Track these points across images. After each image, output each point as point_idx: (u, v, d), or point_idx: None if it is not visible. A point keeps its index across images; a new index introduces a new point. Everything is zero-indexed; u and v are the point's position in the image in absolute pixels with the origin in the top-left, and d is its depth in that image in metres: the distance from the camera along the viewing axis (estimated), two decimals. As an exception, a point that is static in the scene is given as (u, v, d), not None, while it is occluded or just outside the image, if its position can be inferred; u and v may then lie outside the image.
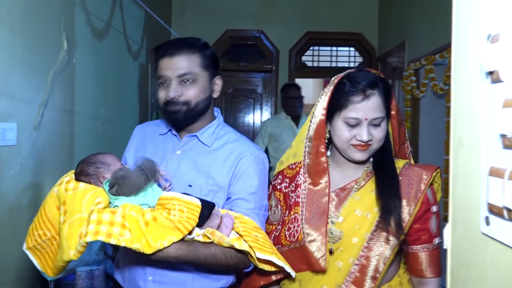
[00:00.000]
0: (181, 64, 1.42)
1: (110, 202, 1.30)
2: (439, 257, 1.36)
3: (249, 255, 1.33)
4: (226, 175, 1.44)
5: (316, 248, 1.32)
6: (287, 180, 1.46)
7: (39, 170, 2.01)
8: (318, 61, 5.69)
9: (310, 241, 1.33)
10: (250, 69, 5.55)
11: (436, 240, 1.35)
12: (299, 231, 1.35)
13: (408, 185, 1.34)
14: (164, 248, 1.24)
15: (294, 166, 1.44)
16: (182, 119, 1.46)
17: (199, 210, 1.28)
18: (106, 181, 1.33)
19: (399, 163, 1.40)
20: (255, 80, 5.60)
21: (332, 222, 1.35)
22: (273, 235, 1.43)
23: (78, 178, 1.36)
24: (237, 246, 1.30)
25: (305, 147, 1.41)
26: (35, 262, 1.36)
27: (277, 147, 4.09)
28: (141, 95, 3.95)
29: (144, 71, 4.00)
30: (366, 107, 1.29)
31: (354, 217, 1.34)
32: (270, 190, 1.51)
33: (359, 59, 5.66)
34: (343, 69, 1.44)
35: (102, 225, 1.21)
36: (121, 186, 1.29)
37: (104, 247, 2.11)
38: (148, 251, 1.23)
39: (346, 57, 5.70)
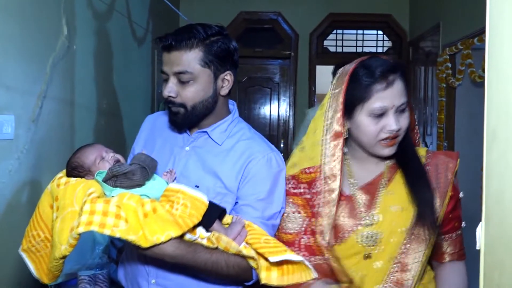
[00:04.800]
0: (177, 60, 1.41)
1: (105, 194, 1.36)
2: (463, 240, 1.50)
3: (255, 266, 1.34)
4: (235, 178, 1.45)
5: (356, 259, 1.38)
6: (303, 185, 1.45)
7: (38, 166, 2.06)
8: (342, 46, 5.67)
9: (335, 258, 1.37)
10: (266, 55, 5.56)
11: (463, 224, 1.48)
12: (324, 245, 1.38)
13: (436, 175, 1.40)
14: (161, 243, 1.26)
15: (310, 171, 1.44)
16: (181, 122, 1.49)
17: (204, 208, 1.30)
18: (98, 173, 1.38)
19: (421, 152, 1.46)
20: (272, 67, 5.61)
21: (367, 225, 1.38)
22: (303, 245, 1.41)
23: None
24: (245, 253, 1.31)
25: (325, 149, 1.41)
26: (31, 267, 1.42)
27: None
28: (146, 84, 4.00)
29: (150, 57, 4.04)
30: (391, 94, 1.31)
31: (391, 214, 1.38)
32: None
33: (388, 44, 5.62)
34: (369, 54, 1.44)
35: (95, 215, 1.24)
36: (120, 181, 1.34)
37: (107, 250, 2.16)
38: (144, 244, 1.25)
39: (374, 41, 5.67)
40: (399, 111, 1.34)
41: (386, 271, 1.37)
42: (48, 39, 2.19)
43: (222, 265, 1.33)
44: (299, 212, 1.44)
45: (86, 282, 1.93)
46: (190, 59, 1.41)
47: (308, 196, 1.43)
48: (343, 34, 5.67)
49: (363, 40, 5.67)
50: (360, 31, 5.66)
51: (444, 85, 4.03)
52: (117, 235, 1.24)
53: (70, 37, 2.40)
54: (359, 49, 5.63)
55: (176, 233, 1.26)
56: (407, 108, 1.36)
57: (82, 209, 1.26)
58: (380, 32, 5.62)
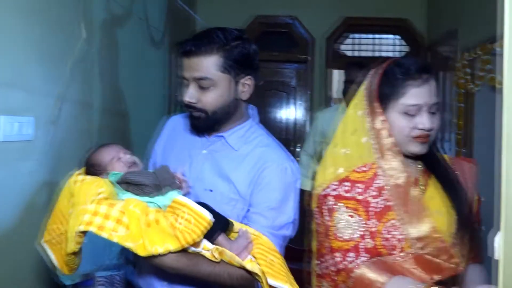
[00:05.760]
0: (197, 66, 1.42)
1: (117, 194, 1.40)
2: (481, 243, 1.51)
3: (259, 280, 1.34)
4: (248, 185, 1.45)
5: (435, 250, 1.35)
6: (360, 185, 1.38)
7: (57, 167, 2.09)
8: (359, 50, 5.64)
9: (423, 246, 1.34)
10: (282, 59, 5.56)
11: (483, 228, 1.51)
12: (402, 239, 1.34)
13: (464, 180, 1.44)
14: (160, 255, 1.28)
15: (366, 169, 1.39)
16: (203, 127, 1.51)
17: (208, 226, 1.30)
18: (112, 174, 1.42)
19: (445, 157, 1.50)
20: (288, 71, 5.61)
21: None
22: (363, 248, 1.34)
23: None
24: (249, 268, 1.31)
25: (378, 143, 1.39)
26: (52, 258, 1.47)
27: None
28: (163, 87, 4.03)
29: (167, 60, 4.07)
30: (425, 92, 1.34)
31: (438, 219, 1.39)
32: (334, 201, 1.39)
33: (405, 48, 5.59)
34: (386, 59, 1.45)
35: (97, 217, 1.29)
36: (132, 188, 1.38)
37: (124, 251, 2.18)
38: (142, 253, 1.27)
39: (391, 46, 5.63)
40: (431, 111, 1.35)
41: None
42: (67, 42, 2.23)
43: (225, 277, 1.34)
44: (353, 216, 1.37)
45: (102, 283, 1.95)
46: (210, 65, 1.41)
47: (364, 196, 1.37)
48: (360, 38, 5.64)
49: (380, 44, 5.64)
50: (377, 36, 5.63)
51: (463, 91, 3.99)
52: (115, 240, 1.28)
53: (89, 41, 2.43)
54: (376, 54, 5.60)
55: (175, 247, 1.27)
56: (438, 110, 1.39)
57: (87, 207, 1.31)
58: (397, 36, 5.59)
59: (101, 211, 1.29)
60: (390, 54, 5.56)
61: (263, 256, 1.33)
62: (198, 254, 1.33)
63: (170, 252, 1.28)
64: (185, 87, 1.47)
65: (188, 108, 1.49)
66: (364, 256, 1.34)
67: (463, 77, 3.93)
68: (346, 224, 1.36)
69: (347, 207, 1.37)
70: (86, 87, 2.46)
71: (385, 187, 1.37)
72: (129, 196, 1.37)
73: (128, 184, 1.38)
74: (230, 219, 1.41)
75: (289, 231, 1.46)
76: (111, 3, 2.79)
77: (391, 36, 5.62)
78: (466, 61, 3.89)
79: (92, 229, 1.28)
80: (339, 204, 1.38)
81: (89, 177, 1.46)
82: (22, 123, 1.80)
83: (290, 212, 1.45)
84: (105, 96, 2.75)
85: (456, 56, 4.19)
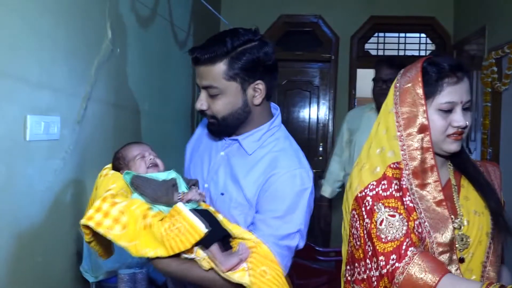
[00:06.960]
0: (203, 75, 1.42)
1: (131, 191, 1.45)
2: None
3: None
4: (255, 191, 1.42)
5: (447, 260, 1.32)
6: (396, 181, 1.34)
7: (82, 166, 2.12)
8: (384, 49, 5.58)
9: (442, 252, 1.32)
10: (306, 58, 5.54)
11: None
12: (426, 238, 1.31)
13: (491, 183, 1.45)
14: (149, 258, 1.32)
15: (397, 165, 1.35)
16: (216, 131, 1.52)
17: (198, 238, 1.29)
18: (126, 173, 1.47)
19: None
20: (312, 70, 5.58)
21: (459, 227, 1.38)
22: (409, 246, 1.27)
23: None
24: (235, 279, 1.30)
25: (406, 144, 1.35)
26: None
27: (350, 152, 3.29)
28: (187, 87, 4.05)
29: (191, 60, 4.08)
30: (460, 89, 1.34)
31: (475, 219, 1.40)
32: (372, 203, 1.33)
33: (431, 47, 5.50)
34: (412, 58, 1.44)
35: (98, 213, 1.34)
36: (137, 189, 1.41)
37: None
38: (134, 253, 1.32)
39: (416, 44, 5.56)
40: (464, 108, 1.35)
41: (479, 276, 1.37)
42: (93, 43, 2.26)
43: (221, 284, 1.33)
44: (394, 216, 1.31)
45: (125, 281, 1.97)
46: (215, 73, 1.40)
47: (399, 194, 1.33)
48: (385, 37, 5.58)
49: (405, 43, 5.57)
50: (402, 34, 5.56)
51: (489, 90, 3.92)
52: (109, 237, 1.33)
53: (114, 41, 2.46)
54: (401, 53, 5.53)
55: (163, 253, 1.31)
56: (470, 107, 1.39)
57: (93, 203, 1.37)
58: (423, 35, 5.50)
59: (103, 208, 1.35)
60: (416, 53, 5.49)
61: (255, 266, 1.31)
62: (192, 260, 1.34)
63: (158, 257, 1.32)
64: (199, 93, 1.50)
65: (201, 114, 1.51)
66: (409, 255, 1.25)
67: (490, 76, 3.86)
68: (390, 224, 1.30)
69: (387, 207, 1.32)
70: (111, 87, 2.49)
71: (408, 189, 1.34)
72: (136, 197, 1.41)
73: (135, 186, 1.41)
74: (236, 224, 1.42)
75: (294, 241, 1.40)
76: (136, 3, 2.82)
77: (417, 34, 5.54)
78: (493, 60, 3.82)
79: (91, 224, 1.34)
80: (380, 205, 1.32)
81: (111, 172, 1.53)
82: (48, 122, 1.83)
83: (296, 221, 1.39)
84: (129, 96, 2.78)
85: (483, 55, 4.11)
